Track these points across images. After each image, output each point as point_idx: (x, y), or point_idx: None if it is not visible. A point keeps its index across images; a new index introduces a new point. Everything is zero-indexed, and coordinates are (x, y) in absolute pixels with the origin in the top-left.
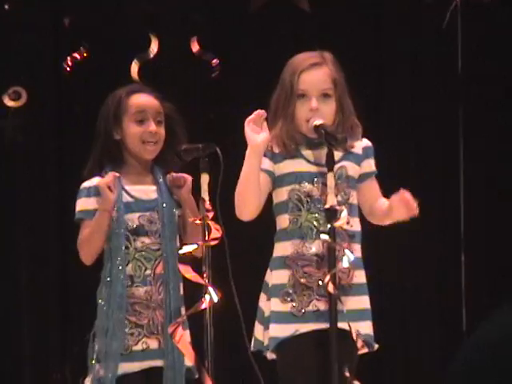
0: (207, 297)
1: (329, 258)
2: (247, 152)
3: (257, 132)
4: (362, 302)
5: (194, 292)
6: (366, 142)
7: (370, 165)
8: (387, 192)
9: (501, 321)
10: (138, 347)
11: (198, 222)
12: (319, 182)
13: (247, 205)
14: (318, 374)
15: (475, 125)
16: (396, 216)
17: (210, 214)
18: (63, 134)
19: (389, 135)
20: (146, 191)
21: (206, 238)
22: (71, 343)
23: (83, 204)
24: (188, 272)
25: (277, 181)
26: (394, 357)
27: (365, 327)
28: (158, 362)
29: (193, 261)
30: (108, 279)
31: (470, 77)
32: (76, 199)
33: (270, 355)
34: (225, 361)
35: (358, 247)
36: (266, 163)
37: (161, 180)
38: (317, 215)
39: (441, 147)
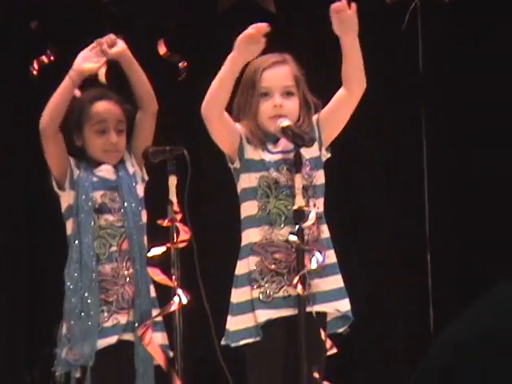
0: (176, 299)
1: (297, 260)
2: (233, 55)
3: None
4: (337, 281)
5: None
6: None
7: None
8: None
9: (473, 320)
10: (109, 323)
11: (166, 223)
12: (284, 169)
13: (217, 101)
14: (286, 370)
15: (437, 123)
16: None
17: (179, 216)
18: (32, 139)
19: (351, 136)
20: (109, 171)
21: (175, 240)
22: (40, 344)
23: None
24: (156, 274)
25: (245, 165)
26: (361, 357)
27: (344, 304)
28: (127, 336)
29: (161, 263)
30: (76, 257)
31: (431, 75)
32: None
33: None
34: (194, 362)
35: (325, 228)
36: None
37: (119, 164)
38: (285, 201)
39: (404, 148)
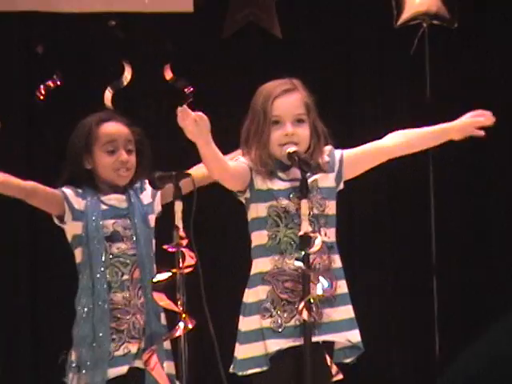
0: (181, 324)
1: (303, 286)
2: (197, 143)
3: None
4: (349, 311)
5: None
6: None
7: (340, 153)
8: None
9: (482, 348)
10: (120, 352)
11: (171, 249)
12: (295, 197)
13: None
14: None
15: (444, 153)
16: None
17: (184, 242)
18: (34, 162)
19: None
20: (119, 199)
21: (180, 265)
22: (43, 364)
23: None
24: (162, 299)
25: (255, 195)
26: (367, 380)
27: (355, 335)
28: (138, 363)
29: (167, 288)
30: (88, 286)
31: (438, 99)
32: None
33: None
34: None
35: (337, 257)
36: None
37: (132, 192)
38: (295, 230)
39: (411, 172)
